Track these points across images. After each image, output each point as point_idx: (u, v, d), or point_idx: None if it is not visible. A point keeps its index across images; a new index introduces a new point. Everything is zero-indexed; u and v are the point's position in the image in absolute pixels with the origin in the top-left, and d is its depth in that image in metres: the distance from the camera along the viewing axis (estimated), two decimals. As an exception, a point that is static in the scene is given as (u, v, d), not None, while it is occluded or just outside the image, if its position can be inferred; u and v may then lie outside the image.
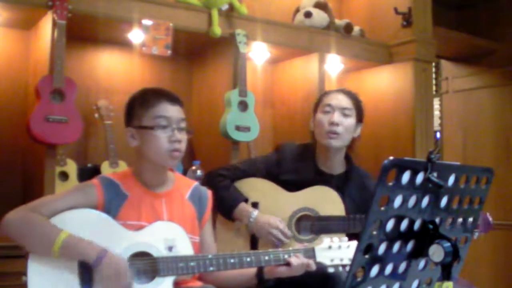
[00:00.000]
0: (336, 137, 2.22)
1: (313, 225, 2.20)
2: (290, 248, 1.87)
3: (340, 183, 2.27)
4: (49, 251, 1.61)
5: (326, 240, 1.88)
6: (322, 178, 2.27)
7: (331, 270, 1.87)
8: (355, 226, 2.14)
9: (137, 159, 1.85)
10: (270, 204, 2.24)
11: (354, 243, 1.86)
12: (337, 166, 2.31)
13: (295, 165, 2.29)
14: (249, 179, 2.29)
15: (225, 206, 2.16)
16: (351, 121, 2.26)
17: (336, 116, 2.23)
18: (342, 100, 2.27)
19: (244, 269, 1.84)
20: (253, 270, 1.88)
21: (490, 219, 2.35)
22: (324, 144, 2.25)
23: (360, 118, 2.31)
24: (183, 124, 1.82)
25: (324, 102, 2.29)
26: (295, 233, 2.21)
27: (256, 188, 2.26)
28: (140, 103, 1.82)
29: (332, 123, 2.22)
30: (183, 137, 1.80)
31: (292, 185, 2.24)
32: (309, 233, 2.21)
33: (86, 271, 1.64)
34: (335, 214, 2.18)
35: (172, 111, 1.81)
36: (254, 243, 2.22)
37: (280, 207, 2.22)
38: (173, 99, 1.84)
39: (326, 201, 2.19)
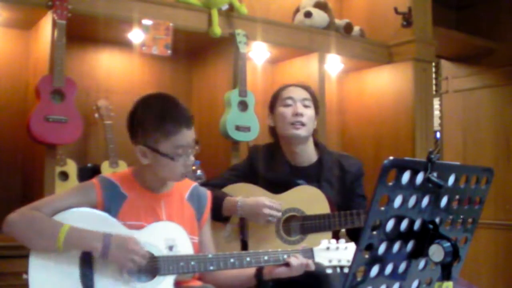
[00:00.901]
0: (302, 127, 2.26)
1: (301, 225, 2.21)
2: (289, 249, 1.88)
3: (315, 172, 2.28)
4: (53, 245, 1.62)
5: (324, 241, 1.89)
6: (296, 173, 2.28)
7: (329, 271, 1.87)
8: (340, 223, 2.15)
9: (142, 166, 1.80)
10: None
11: (351, 245, 1.88)
12: (309, 157, 2.32)
13: (268, 164, 2.32)
14: (234, 185, 2.30)
15: (214, 208, 2.15)
16: (312, 111, 2.31)
17: (300, 107, 2.27)
18: (301, 93, 2.33)
19: (244, 269, 1.85)
20: (252, 271, 1.88)
21: None
22: (289, 136, 2.27)
23: (317, 110, 2.36)
24: (195, 145, 1.83)
25: (284, 96, 2.33)
26: (284, 235, 2.21)
27: (243, 192, 2.27)
28: (157, 128, 1.73)
29: (297, 114, 2.26)
30: (193, 156, 1.82)
31: (272, 184, 2.25)
32: (297, 234, 2.21)
33: (88, 266, 1.65)
34: (321, 213, 2.18)
35: (189, 136, 1.77)
36: (244, 247, 2.22)
37: None
38: (189, 122, 1.78)
39: (311, 200, 2.20)
